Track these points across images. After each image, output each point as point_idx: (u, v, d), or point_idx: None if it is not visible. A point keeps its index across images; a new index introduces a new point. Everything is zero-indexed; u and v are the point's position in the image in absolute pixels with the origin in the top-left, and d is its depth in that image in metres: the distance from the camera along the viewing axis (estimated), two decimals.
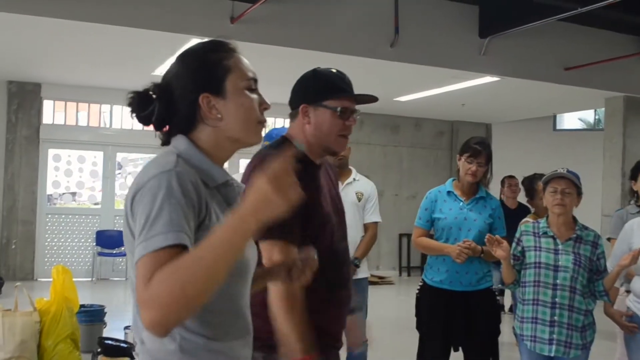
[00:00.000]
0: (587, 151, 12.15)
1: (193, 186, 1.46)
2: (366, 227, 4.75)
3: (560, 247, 3.46)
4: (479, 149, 3.92)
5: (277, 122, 11.04)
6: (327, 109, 2.29)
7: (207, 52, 1.61)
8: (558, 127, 13.76)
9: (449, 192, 4.02)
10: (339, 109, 2.29)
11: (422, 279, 4.10)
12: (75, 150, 10.97)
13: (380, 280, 11.56)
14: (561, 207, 3.42)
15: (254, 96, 1.62)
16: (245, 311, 1.64)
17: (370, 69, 8.56)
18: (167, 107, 1.58)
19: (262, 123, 1.64)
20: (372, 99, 2.36)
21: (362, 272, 4.69)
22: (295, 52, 7.57)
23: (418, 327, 4.11)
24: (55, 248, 10.71)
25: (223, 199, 1.59)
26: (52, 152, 10.76)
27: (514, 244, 3.61)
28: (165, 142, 1.62)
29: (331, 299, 2.31)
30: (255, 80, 1.64)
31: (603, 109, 10.64)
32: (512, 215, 5.60)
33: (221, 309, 1.53)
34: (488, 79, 8.94)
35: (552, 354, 3.42)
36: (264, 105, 1.64)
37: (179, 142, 1.58)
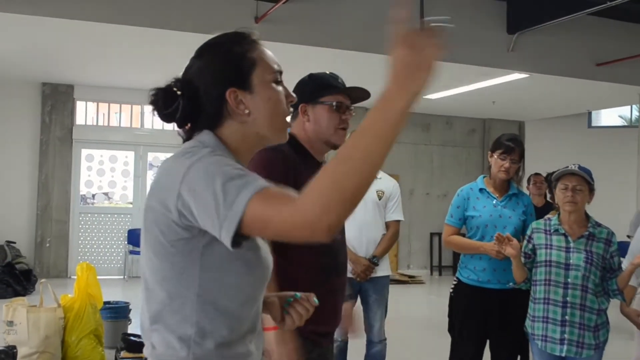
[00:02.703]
0: (623, 148, 11.92)
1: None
2: (388, 225, 4.73)
3: (571, 245, 3.39)
4: (512, 145, 3.87)
5: None
6: (324, 104, 2.50)
7: (230, 44, 1.54)
8: (594, 124, 13.52)
9: (481, 190, 3.97)
10: (334, 103, 2.50)
11: (457, 277, 4.04)
12: (107, 150, 11.15)
13: (411, 280, 11.50)
14: (572, 204, 3.35)
15: (280, 89, 1.56)
16: (260, 309, 1.60)
17: None
18: (191, 103, 1.51)
19: (287, 117, 1.59)
20: (364, 93, 2.55)
21: (382, 270, 4.66)
22: (320, 51, 7.58)
23: (450, 329, 4.05)
24: (88, 246, 10.90)
25: None
26: (84, 152, 10.96)
27: (524, 242, 3.56)
28: (188, 138, 1.55)
29: (325, 285, 2.37)
30: (281, 72, 1.58)
31: (639, 104, 10.43)
32: (538, 213, 5.50)
33: (241, 314, 1.49)
34: (517, 75, 8.83)
35: (564, 354, 3.35)
36: (290, 98, 1.58)
37: (206, 137, 1.50)
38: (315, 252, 2.27)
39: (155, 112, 1.52)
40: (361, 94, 2.55)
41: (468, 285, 3.92)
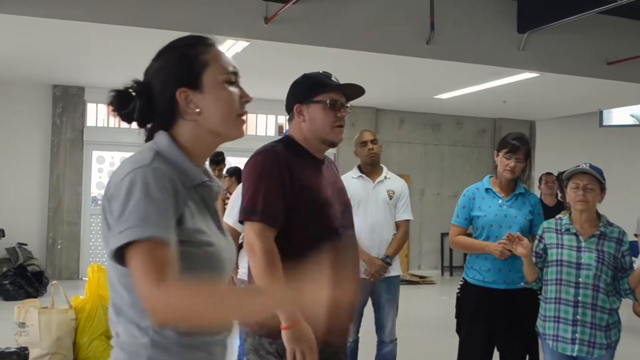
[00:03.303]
0: (634, 147, 11.84)
1: (171, 182, 1.47)
2: (398, 225, 4.73)
3: (583, 244, 3.38)
4: (517, 144, 3.85)
5: None
6: (318, 103, 2.50)
7: (185, 47, 1.62)
8: (605, 123, 13.43)
9: (487, 189, 3.96)
10: (328, 101, 2.49)
11: (463, 278, 4.03)
12: (118, 152, 11.16)
13: (422, 280, 11.47)
14: (583, 203, 3.33)
15: (234, 89, 1.62)
16: None
17: (408, 67, 8.51)
18: (147, 104, 1.58)
19: (242, 116, 1.64)
20: (359, 90, 2.55)
21: (394, 270, 4.66)
22: (331, 52, 7.57)
23: (458, 330, 4.05)
24: (99, 248, 10.90)
25: (200, 198, 1.60)
26: (95, 154, 10.98)
27: (535, 241, 3.54)
28: (149, 138, 1.62)
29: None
30: (236, 74, 1.64)
31: None
32: (550, 213, 5.48)
33: None
34: (527, 75, 8.78)
35: (575, 354, 3.33)
36: (245, 98, 1.64)
37: (160, 138, 1.58)
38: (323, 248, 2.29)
39: (115, 113, 1.60)
40: (355, 90, 2.54)
41: (474, 285, 3.92)
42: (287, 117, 2.63)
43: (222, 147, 6.78)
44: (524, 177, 3.95)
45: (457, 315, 4.05)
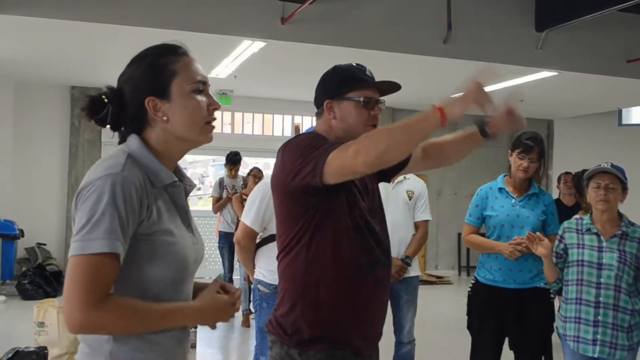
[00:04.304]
0: None
1: (136, 190, 1.55)
2: (417, 225, 4.71)
3: (604, 244, 3.34)
4: (531, 144, 3.83)
5: None
6: (351, 100, 2.32)
7: (155, 56, 1.69)
8: (624, 122, 13.30)
9: (500, 189, 3.95)
10: (362, 99, 2.31)
11: (475, 277, 4.04)
12: None
13: (439, 280, 11.43)
14: (605, 203, 3.30)
15: (202, 98, 1.69)
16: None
17: (425, 67, 8.48)
18: (119, 109, 1.66)
19: (209, 123, 1.72)
20: (395, 86, 2.39)
21: (413, 271, 4.64)
22: (348, 52, 7.55)
23: (469, 327, 4.05)
24: None
25: (169, 198, 1.68)
26: None
27: (556, 241, 3.51)
28: (122, 140, 1.70)
29: (368, 278, 2.28)
30: (204, 83, 1.71)
31: None
32: (569, 212, 5.44)
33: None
34: (545, 73, 8.72)
35: (596, 355, 3.30)
36: (213, 106, 1.71)
37: (132, 141, 1.66)
38: (352, 244, 2.24)
39: (89, 118, 1.67)
40: (391, 86, 2.38)
41: (485, 284, 3.91)
42: (316, 112, 2.44)
43: (238, 148, 6.80)
44: (538, 177, 3.93)
45: (469, 313, 4.05)
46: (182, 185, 1.73)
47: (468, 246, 4.18)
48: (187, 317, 1.65)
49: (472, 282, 4.05)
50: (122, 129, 1.71)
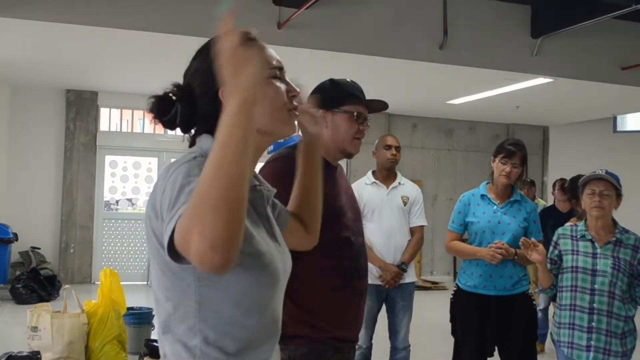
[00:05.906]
0: None
1: None
2: (412, 231, 4.71)
3: (598, 251, 3.35)
4: (513, 149, 3.85)
5: None
6: (345, 113, 2.50)
7: None
8: (619, 129, 13.34)
9: (482, 196, 3.97)
10: (355, 113, 2.49)
11: (456, 284, 4.05)
12: (130, 156, 11.21)
13: (434, 286, 11.42)
14: (599, 209, 3.30)
15: (280, 84, 1.53)
16: (276, 315, 1.53)
17: (421, 73, 8.49)
18: (189, 107, 1.49)
19: (292, 111, 1.54)
20: (383, 105, 2.57)
21: (409, 277, 4.64)
22: (344, 57, 7.56)
23: (453, 333, 4.06)
24: (112, 252, 10.96)
25: (250, 204, 1.40)
26: (108, 158, 11.03)
27: (551, 248, 3.52)
28: (192, 143, 1.52)
29: (346, 287, 2.40)
30: (281, 68, 1.55)
31: None
32: (563, 219, 5.44)
33: (247, 322, 1.43)
34: (541, 80, 8.75)
35: None
36: (292, 93, 1.54)
37: (204, 141, 1.46)
38: (337, 256, 2.34)
39: (156, 120, 1.49)
40: (379, 105, 2.56)
41: (465, 291, 3.92)
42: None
43: None
44: (519, 183, 3.95)
45: (452, 320, 4.06)
46: (262, 190, 1.54)
47: (450, 253, 4.21)
48: (231, 110, 1.21)
49: (454, 289, 4.07)
50: (193, 130, 1.53)
